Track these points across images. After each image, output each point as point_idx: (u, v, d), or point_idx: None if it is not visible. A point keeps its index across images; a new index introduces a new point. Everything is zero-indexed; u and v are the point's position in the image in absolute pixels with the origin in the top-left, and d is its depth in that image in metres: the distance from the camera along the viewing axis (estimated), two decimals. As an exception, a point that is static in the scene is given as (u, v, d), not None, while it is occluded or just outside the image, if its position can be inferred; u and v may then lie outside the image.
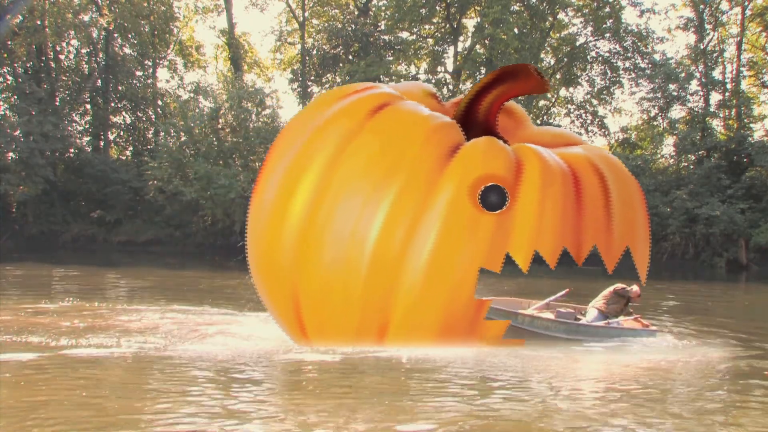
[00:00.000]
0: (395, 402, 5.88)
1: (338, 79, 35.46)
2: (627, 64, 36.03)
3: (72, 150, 35.08)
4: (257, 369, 7.21)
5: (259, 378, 6.89)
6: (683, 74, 33.94)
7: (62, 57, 37.35)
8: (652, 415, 5.98)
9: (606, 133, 37.58)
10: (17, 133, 31.18)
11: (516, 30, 32.94)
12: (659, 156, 34.88)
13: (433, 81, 34.57)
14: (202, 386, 6.27)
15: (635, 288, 9.71)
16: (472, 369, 7.21)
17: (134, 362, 7.15)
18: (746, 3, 34.08)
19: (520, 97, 43.14)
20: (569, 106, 38.31)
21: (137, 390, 6.09)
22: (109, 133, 37.92)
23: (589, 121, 37.58)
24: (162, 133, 34.83)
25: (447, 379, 6.83)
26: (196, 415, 5.30)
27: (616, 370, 7.83)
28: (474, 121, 8.11)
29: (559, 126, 36.69)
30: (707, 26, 34.55)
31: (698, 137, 32.41)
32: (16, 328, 8.83)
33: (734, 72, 35.06)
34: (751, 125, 34.30)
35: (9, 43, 33.32)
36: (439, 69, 36.25)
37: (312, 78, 37.72)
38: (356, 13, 37.46)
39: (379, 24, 35.88)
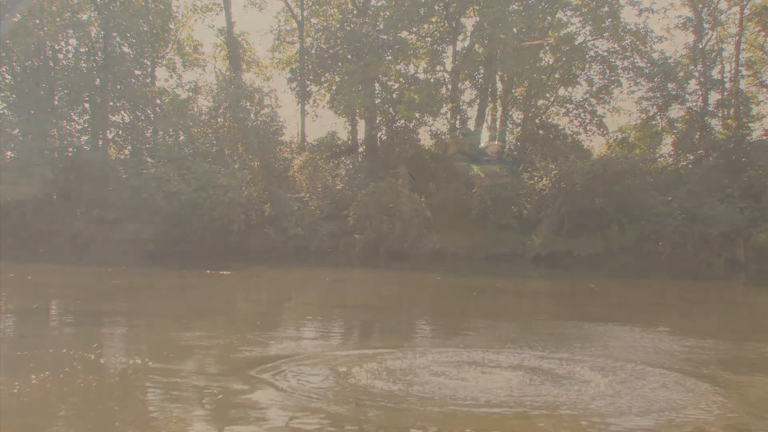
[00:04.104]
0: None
1: (337, 79, 35.39)
2: (626, 63, 35.95)
3: (71, 149, 34.94)
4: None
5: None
6: (682, 73, 33.91)
7: (61, 56, 37.24)
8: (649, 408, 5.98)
9: (604, 132, 37.50)
10: (16, 132, 31.10)
11: (515, 30, 32.83)
12: (658, 155, 34.82)
13: (432, 80, 34.49)
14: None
15: None
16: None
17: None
18: (744, 2, 34.04)
19: (518, 97, 42.66)
20: (568, 105, 38.20)
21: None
22: (108, 132, 37.74)
23: (587, 121, 37.49)
24: (161, 132, 34.72)
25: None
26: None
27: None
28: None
29: (558, 125, 36.68)
30: (706, 25, 34.52)
31: (697, 137, 32.38)
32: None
33: (733, 71, 35.04)
34: (750, 125, 34.28)
35: (8, 42, 33.20)
36: (437, 68, 36.18)
37: (311, 77, 37.64)
38: (355, 12, 37.39)
39: (378, 23, 35.80)
